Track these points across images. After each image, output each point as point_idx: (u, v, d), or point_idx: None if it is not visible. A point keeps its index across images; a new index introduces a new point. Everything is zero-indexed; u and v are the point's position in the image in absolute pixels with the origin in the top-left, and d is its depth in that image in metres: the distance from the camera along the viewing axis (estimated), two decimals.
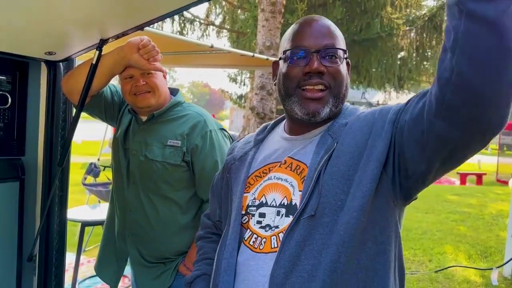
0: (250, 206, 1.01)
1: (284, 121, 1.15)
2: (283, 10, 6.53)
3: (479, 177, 11.93)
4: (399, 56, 13.64)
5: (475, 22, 0.67)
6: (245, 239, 0.99)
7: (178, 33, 12.40)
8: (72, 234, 3.97)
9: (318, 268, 0.85)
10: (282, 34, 7.55)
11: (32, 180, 1.75)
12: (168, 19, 11.33)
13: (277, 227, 0.94)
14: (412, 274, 4.27)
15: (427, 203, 7.70)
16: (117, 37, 1.41)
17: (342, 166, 0.91)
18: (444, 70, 0.73)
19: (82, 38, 1.45)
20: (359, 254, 0.87)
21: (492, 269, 4.13)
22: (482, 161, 15.48)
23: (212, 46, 2.85)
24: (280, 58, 1.06)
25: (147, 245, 1.65)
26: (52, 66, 1.70)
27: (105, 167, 5.72)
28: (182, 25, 12.92)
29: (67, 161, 1.68)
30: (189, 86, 78.87)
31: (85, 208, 4.00)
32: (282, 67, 1.04)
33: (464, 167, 11.25)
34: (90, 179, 5.28)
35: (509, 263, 4.20)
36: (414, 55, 13.42)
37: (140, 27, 1.34)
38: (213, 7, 13.66)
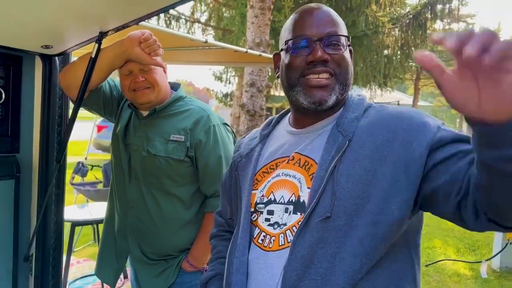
0: (259, 203, 0.99)
1: (289, 114, 1.13)
2: (272, 7, 6.51)
3: None
4: (383, 54, 13.80)
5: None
6: (254, 237, 0.97)
7: None
8: None
9: (333, 272, 0.83)
10: (271, 31, 7.59)
11: (28, 178, 1.70)
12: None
13: (285, 224, 0.92)
14: None
15: None
16: (117, 29, 1.37)
17: (360, 170, 0.88)
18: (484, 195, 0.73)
19: (81, 31, 1.40)
20: (380, 266, 0.86)
21: (481, 262, 4.21)
22: None
23: (206, 42, 2.82)
24: (281, 50, 1.04)
25: (149, 242, 1.62)
26: (47, 60, 1.65)
27: (92, 166, 5.63)
28: (168, 22, 12.80)
29: (64, 158, 1.64)
30: None
31: (73, 208, 3.92)
32: (284, 57, 1.01)
33: None
34: (78, 179, 5.18)
35: (497, 256, 4.29)
36: (398, 52, 13.59)
37: (142, 19, 1.30)
38: (199, 5, 13.57)
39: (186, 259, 1.61)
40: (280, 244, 0.91)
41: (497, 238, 4.35)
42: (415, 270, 0.94)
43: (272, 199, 0.97)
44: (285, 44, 1.00)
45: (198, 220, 1.61)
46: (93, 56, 1.45)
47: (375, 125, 0.93)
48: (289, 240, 0.90)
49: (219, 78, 15.66)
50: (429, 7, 13.00)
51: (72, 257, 3.84)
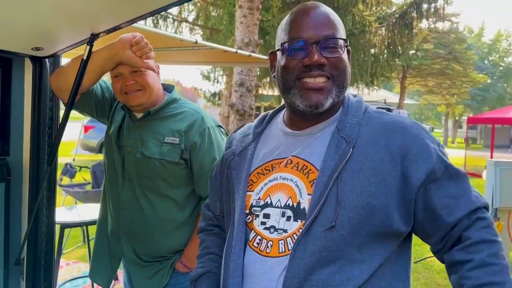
0: (254, 206, 0.98)
1: (283, 111, 1.11)
2: (260, 7, 6.52)
3: None
4: (370, 53, 13.90)
5: None
6: (250, 240, 0.97)
7: None
8: None
9: (334, 279, 0.85)
10: (259, 30, 7.58)
11: (18, 181, 1.68)
12: None
13: (285, 231, 0.92)
14: None
15: None
16: (109, 31, 1.36)
17: (364, 181, 0.88)
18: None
19: (72, 33, 1.39)
20: (380, 271, 0.89)
21: None
22: (449, 154, 15.97)
23: (196, 42, 2.82)
24: (277, 50, 1.02)
25: (143, 243, 1.62)
26: (38, 62, 1.63)
27: (81, 167, 5.57)
28: (155, 21, 12.69)
29: (55, 161, 1.62)
30: None
31: (62, 210, 3.88)
32: (280, 59, 0.99)
33: None
34: (66, 180, 5.11)
35: None
36: (385, 51, 13.72)
37: (134, 21, 1.29)
38: (186, 4, 13.48)
39: (179, 260, 1.61)
40: (280, 251, 0.91)
41: None
42: (409, 268, 0.97)
43: (269, 202, 0.96)
44: (281, 46, 0.98)
45: (192, 222, 1.61)
46: (84, 58, 1.44)
47: (378, 135, 0.94)
48: (289, 248, 0.90)
49: (207, 77, 15.60)
50: (415, 6, 13.14)
51: (61, 259, 3.81)
